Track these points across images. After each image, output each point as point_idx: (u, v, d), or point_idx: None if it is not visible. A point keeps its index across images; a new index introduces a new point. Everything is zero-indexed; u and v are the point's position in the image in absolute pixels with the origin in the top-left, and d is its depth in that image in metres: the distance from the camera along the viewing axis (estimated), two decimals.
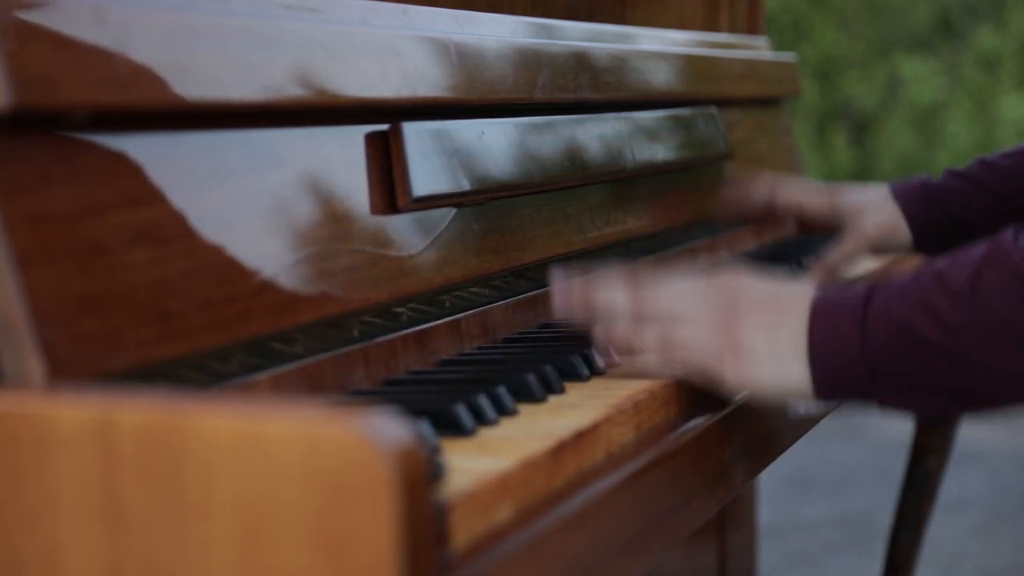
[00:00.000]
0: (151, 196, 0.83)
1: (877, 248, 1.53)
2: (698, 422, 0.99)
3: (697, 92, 1.67)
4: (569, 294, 1.07)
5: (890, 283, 0.97)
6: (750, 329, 0.99)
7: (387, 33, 1.08)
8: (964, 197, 1.52)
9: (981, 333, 0.92)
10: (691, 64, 1.67)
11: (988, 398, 0.95)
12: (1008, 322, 0.91)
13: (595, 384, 1.02)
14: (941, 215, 1.52)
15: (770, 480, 3.54)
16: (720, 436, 1.02)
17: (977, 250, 0.95)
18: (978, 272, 0.93)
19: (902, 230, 1.52)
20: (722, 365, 1.00)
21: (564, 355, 1.03)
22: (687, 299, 1.02)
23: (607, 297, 1.05)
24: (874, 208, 1.53)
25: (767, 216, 1.62)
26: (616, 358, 1.05)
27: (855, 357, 0.96)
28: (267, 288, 0.89)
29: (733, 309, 1.00)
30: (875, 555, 2.50)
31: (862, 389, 0.96)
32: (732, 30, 1.99)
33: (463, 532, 0.71)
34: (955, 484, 3.53)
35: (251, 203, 0.91)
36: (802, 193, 1.57)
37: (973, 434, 3.97)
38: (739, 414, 1.05)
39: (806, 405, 1.11)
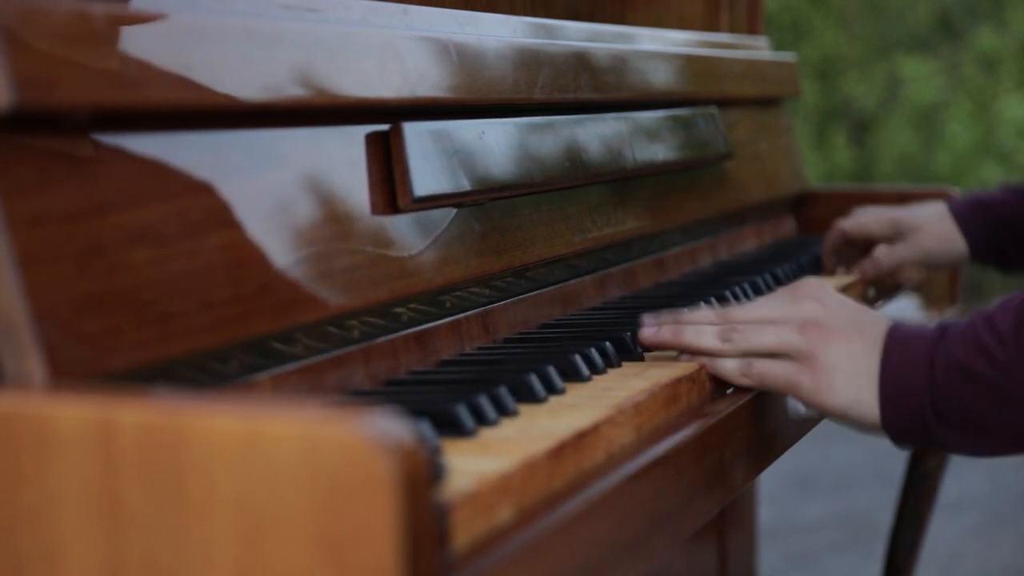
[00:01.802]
0: (152, 196, 0.83)
1: (933, 259, 1.63)
2: (698, 423, 0.99)
3: (697, 92, 1.67)
4: (658, 321, 1.09)
5: (955, 325, 1.03)
6: (833, 345, 1.03)
7: (387, 33, 1.08)
8: (1017, 209, 1.61)
9: None
10: (691, 64, 1.67)
11: None
12: None
13: (596, 384, 1.02)
14: (996, 225, 1.61)
15: (770, 480, 3.54)
16: (720, 437, 1.01)
17: (1021, 294, 1.01)
18: (1020, 316, 0.99)
19: (958, 242, 1.62)
20: (799, 379, 1.04)
21: (565, 355, 1.03)
22: (773, 306, 1.07)
23: (695, 315, 1.09)
24: (932, 223, 1.63)
25: (848, 246, 1.69)
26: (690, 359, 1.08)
27: (922, 394, 1.01)
28: (268, 288, 0.89)
29: (819, 321, 1.04)
30: (875, 555, 2.50)
31: (927, 426, 1.01)
32: (732, 30, 1.98)
33: (464, 532, 0.71)
34: (955, 484, 3.52)
35: (252, 203, 0.91)
36: (867, 221, 1.66)
37: None
38: (740, 415, 1.05)
39: (807, 408, 1.13)
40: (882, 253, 1.61)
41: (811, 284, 1.08)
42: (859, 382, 1.02)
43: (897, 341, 1.03)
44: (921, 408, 1.01)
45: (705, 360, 1.07)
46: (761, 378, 1.06)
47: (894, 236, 1.63)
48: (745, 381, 1.06)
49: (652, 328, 1.09)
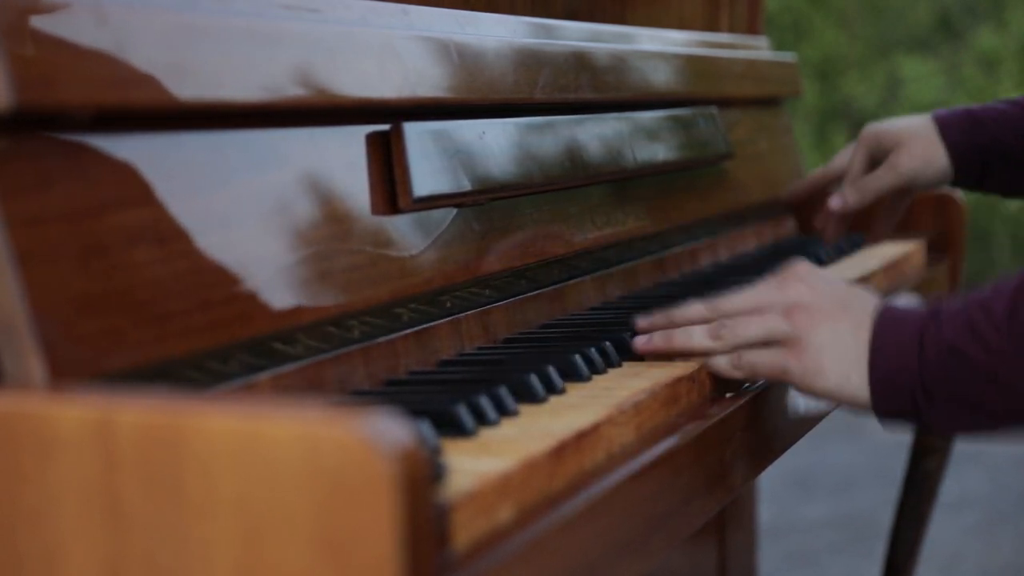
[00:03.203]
0: (151, 196, 0.83)
1: (916, 180, 1.55)
2: (698, 423, 0.99)
3: (697, 92, 1.67)
4: (651, 321, 1.10)
5: (946, 305, 1.01)
6: (820, 326, 1.03)
7: (387, 33, 1.08)
8: (1013, 123, 1.52)
9: (1021, 356, 0.97)
10: (691, 64, 1.67)
11: None
12: None
13: (596, 384, 1.02)
14: (987, 141, 1.52)
15: (770, 480, 3.54)
16: (720, 437, 1.01)
17: (1016, 278, 1.00)
18: (1013, 300, 0.98)
19: (941, 159, 1.53)
20: (786, 363, 1.04)
21: (565, 355, 1.03)
22: (760, 293, 1.06)
23: (686, 313, 1.09)
24: (914, 138, 1.54)
25: (825, 186, 1.67)
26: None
27: (912, 375, 1.00)
28: (268, 288, 0.89)
29: (804, 303, 1.04)
30: (875, 555, 2.50)
31: (916, 407, 1.00)
32: (732, 30, 1.98)
33: (464, 532, 0.71)
34: (955, 484, 3.52)
35: (252, 203, 0.91)
36: (843, 155, 1.62)
37: None
38: (739, 415, 1.05)
39: (806, 404, 1.13)
40: (864, 182, 1.56)
41: (798, 267, 1.07)
42: (847, 363, 1.02)
43: (887, 320, 1.02)
44: (911, 390, 1.00)
45: (701, 359, 1.08)
46: (752, 368, 1.05)
47: (876, 151, 1.57)
48: (737, 374, 1.06)
49: (644, 338, 1.09)
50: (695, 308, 1.09)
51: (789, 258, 1.61)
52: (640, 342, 1.09)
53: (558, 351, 1.05)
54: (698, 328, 1.07)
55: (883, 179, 1.55)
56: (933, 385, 0.99)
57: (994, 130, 1.53)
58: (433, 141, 1.10)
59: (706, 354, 1.07)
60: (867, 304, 1.04)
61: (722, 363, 1.07)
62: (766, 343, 1.05)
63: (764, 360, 1.05)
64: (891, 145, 1.56)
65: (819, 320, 1.03)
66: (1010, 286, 0.99)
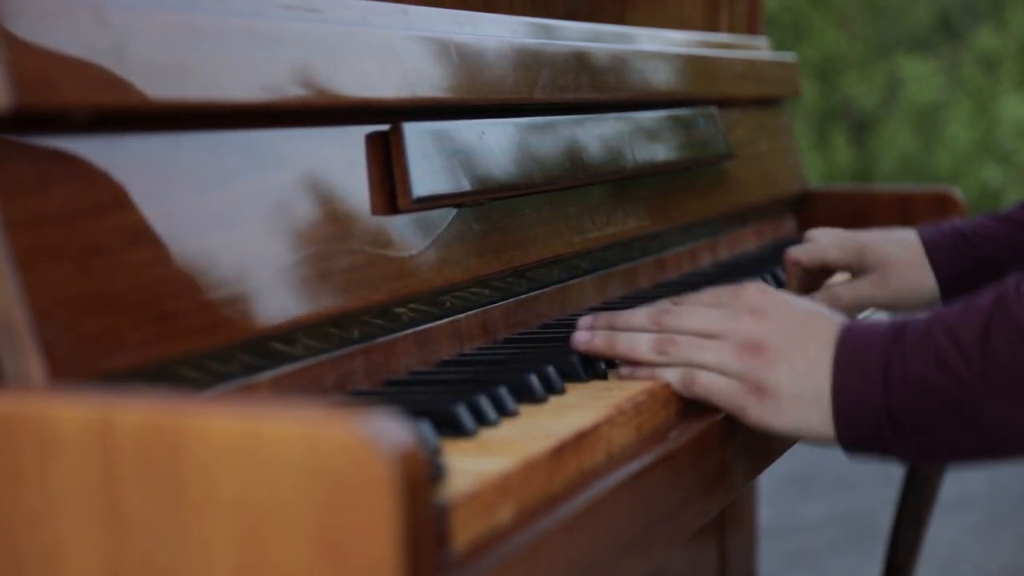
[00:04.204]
0: (151, 197, 0.83)
1: (901, 302, 1.42)
2: (699, 423, 0.99)
3: (697, 92, 1.67)
4: (592, 321, 1.06)
5: (909, 332, 0.96)
6: (775, 368, 0.98)
7: (387, 33, 1.08)
8: (1006, 242, 1.42)
9: (993, 389, 0.92)
10: (691, 64, 1.67)
11: (1004, 451, 0.95)
12: (1018, 379, 0.92)
13: (596, 385, 1.02)
14: (975, 264, 1.42)
15: (770, 480, 3.54)
16: (720, 437, 1.01)
17: (983, 301, 0.94)
18: (985, 328, 0.93)
19: (928, 282, 1.42)
20: (744, 402, 0.99)
21: (565, 355, 1.03)
22: (712, 317, 1.01)
23: (629, 318, 1.05)
24: (901, 257, 1.42)
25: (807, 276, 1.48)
26: (632, 371, 1.04)
27: (878, 410, 0.95)
28: (268, 288, 0.89)
29: (759, 341, 0.99)
30: (875, 555, 2.50)
31: (884, 441, 0.96)
32: (732, 30, 1.98)
33: (464, 533, 0.71)
34: (955, 484, 3.52)
35: (251, 203, 0.91)
36: (826, 247, 1.45)
37: None
38: None
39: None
40: (843, 288, 1.41)
41: (751, 294, 1.02)
42: (807, 402, 0.97)
43: (847, 352, 0.96)
44: (878, 424, 0.95)
45: (643, 371, 1.03)
46: (707, 395, 1.01)
47: (857, 266, 1.43)
48: (686, 394, 1.02)
49: (585, 335, 1.05)
50: (640, 318, 1.04)
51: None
52: (581, 340, 1.04)
53: (558, 351, 1.05)
54: (644, 337, 1.03)
55: (867, 292, 1.40)
56: (900, 417, 0.94)
57: (985, 250, 1.42)
58: (433, 141, 1.10)
59: (649, 365, 1.03)
60: (827, 331, 0.98)
61: (672, 378, 1.02)
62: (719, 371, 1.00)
63: (721, 390, 1.00)
64: (874, 261, 1.41)
65: (775, 361, 0.98)
66: (980, 311, 0.94)
